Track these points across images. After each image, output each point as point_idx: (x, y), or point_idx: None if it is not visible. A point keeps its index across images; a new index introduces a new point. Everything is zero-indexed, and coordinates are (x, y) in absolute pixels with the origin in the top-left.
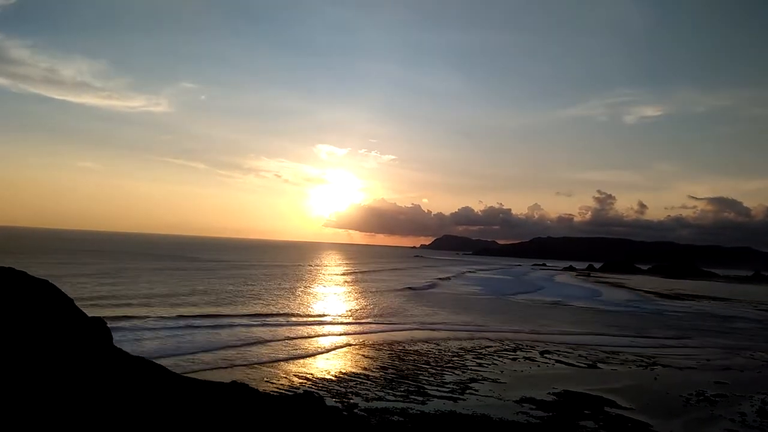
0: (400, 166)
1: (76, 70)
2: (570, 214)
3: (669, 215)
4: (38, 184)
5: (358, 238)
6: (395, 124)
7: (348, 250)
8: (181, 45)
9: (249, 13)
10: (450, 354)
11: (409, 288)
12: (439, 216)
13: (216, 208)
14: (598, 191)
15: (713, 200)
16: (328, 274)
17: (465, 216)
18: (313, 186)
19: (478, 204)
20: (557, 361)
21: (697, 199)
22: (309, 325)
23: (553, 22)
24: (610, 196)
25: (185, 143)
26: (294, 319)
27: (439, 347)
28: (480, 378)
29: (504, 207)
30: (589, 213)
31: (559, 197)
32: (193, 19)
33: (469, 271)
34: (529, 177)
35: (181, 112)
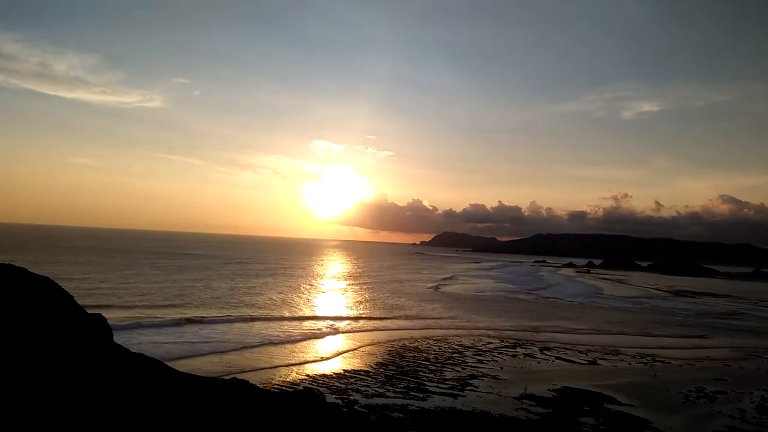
0: (398, 162)
1: (69, 64)
2: (579, 211)
3: (668, 212)
4: (33, 181)
5: (362, 234)
6: (392, 120)
7: (346, 248)
8: (174, 40)
9: (243, 8)
10: (450, 351)
11: (406, 288)
12: (450, 213)
13: (215, 205)
14: (609, 189)
15: (713, 197)
16: (329, 274)
17: (475, 213)
18: (312, 182)
19: (489, 201)
20: (557, 358)
21: (696, 195)
22: (309, 321)
23: (550, 17)
24: (627, 195)
25: (182, 139)
26: (291, 317)
27: (439, 344)
28: (480, 374)
29: (515, 204)
30: (600, 210)
31: (562, 193)
32: (185, 14)
33: (465, 272)
34: (528, 173)
35: (176, 108)
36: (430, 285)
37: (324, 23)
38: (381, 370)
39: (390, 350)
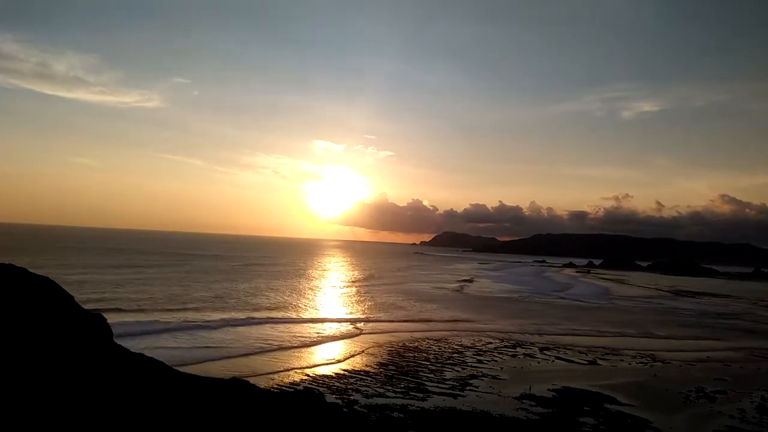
0: (398, 162)
1: (68, 64)
2: (579, 211)
3: (669, 212)
4: (32, 181)
5: (362, 234)
6: (392, 120)
7: (347, 248)
8: (173, 39)
9: (242, 7)
10: (450, 351)
11: (424, 290)
12: (450, 213)
13: (215, 205)
14: (610, 190)
15: (713, 197)
16: (336, 276)
17: (476, 213)
18: (312, 182)
19: (490, 201)
20: (557, 358)
21: (697, 195)
22: (320, 324)
23: (550, 18)
24: (627, 195)
25: (182, 139)
26: (300, 319)
27: (439, 344)
28: (480, 374)
29: (515, 204)
30: (602, 210)
31: (562, 193)
32: (184, 13)
33: (477, 274)
34: (528, 173)
35: (175, 108)
36: (450, 286)
37: (324, 23)
38: (381, 370)
39: (389, 350)
